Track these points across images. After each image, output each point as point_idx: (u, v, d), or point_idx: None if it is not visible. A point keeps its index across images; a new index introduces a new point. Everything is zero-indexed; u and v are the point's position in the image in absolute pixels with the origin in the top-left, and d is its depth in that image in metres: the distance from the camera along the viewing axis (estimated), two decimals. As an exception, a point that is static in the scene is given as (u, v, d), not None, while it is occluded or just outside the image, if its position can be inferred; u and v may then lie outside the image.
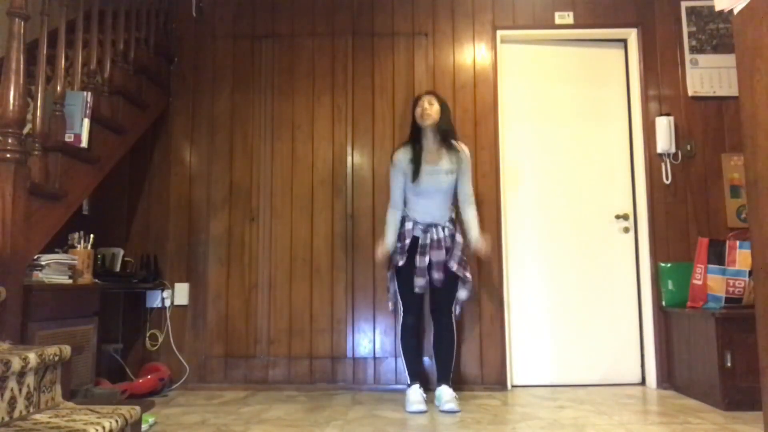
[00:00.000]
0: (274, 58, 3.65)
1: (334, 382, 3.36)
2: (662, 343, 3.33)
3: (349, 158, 3.54)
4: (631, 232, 3.55)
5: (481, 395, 3.16)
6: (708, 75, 3.53)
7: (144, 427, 2.36)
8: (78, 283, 2.57)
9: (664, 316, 3.35)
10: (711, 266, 3.04)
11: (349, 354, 3.39)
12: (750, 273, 2.93)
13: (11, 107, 2.06)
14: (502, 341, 3.36)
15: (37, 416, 1.72)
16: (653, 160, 3.49)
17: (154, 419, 2.55)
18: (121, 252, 3.32)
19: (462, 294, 3.01)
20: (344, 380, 3.36)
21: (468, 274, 2.97)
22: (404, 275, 2.96)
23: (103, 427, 1.64)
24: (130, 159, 3.53)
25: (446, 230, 2.97)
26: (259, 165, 3.56)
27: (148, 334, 3.42)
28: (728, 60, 3.51)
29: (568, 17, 3.61)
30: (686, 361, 3.12)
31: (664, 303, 3.34)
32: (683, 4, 3.58)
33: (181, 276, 3.47)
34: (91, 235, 2.83)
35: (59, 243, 2.67)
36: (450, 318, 2.97)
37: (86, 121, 2.61)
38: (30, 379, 1.75)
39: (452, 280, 2.96)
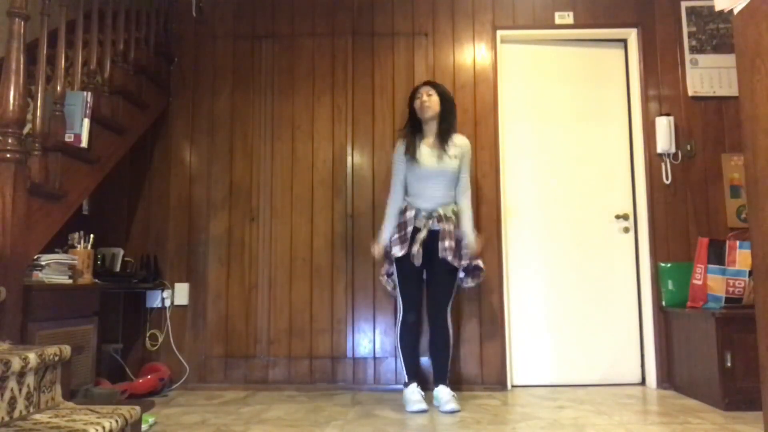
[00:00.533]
0: (274, 58, 3.65)
1: (334, 382, 3.36)
2: (662, 343, 3.33)
3: (349, 158, 3.54)
4: (631, 232, 3.55)
5: (481, 395, 3.16)
6: (708, 75, 3.53)
7: (144, 427, 2.36)
8: (78, 283, 2.57)
9: (664, 316, 3.35)
10: (711, 266, 3.04)
11: (349, 354, 3.39)
12: (750, 273, 2.93)
13: (11, 107, 2.06)
14: (502, 341, 3.36)
15: (37, 416, 1.72)
16: (653, 160, 3.49)
17: (154, 419, 2.55)
18: (121, 252, 3.32)
19: (468, 282, 3.02)
20: (344, 380, 3.36)
21: (462, 263, 2.93)
22: (404, 267, 2.91)
23: (103, 427, 1.64)
24: (130, 159, 3.53)
25: (450, 224, 2.90)
26: (259, 165, 3.56)
27: (148, 334, 3.42)
28: (728, 60, 3.51)
29: (568, 17, 3.61)
30: (686, 361, 3.12)
31: (664, 303, 3.34)
32: (683, 4, 3.58)
33: (181, 276, 3.47)
34: (91, 235, 2.83)
35: (59, 243, 2.67)
36: (445, 317, 2.93)
37: (86, 121, 2.61)
38: (30, 379, 1.75)
39: (448, 275, 2.92)
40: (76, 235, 2.78)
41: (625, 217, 3.56)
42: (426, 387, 3.12)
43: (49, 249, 2.43)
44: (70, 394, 2.01)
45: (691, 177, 3.47)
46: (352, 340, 3.40)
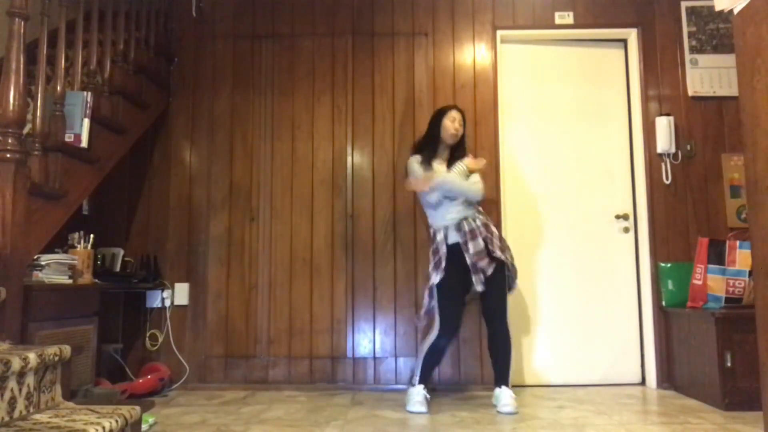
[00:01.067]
0: (274, 58, 3.65)
1: (334, 382, 3.36)
2: (662, 343, 3.33)
3: (349, 158, 3.54)
4: (631, 232, 3.55)
5: (481, 395, 3.16)
6: (708, 75, 3.53)
7: (144, 427, 2.36)
8: (78, 283, 2.57)
9: (664, 316, 3.35)
10: (711, 266, 3.04)
11: (349, 354, 3.39)
12: (750, 273, 2.93)
13: (11, 107, 2.06)
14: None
15: (37, 416, 1.72)
16: (653, 160, 3.49)
17: (154, 419, 2.55)
18: (121, 252, 3.32)
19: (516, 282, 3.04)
20: (344, 380, 3.36)
21: (509, 261, 2.94)
22: (444, 289, 2.87)
23: (103, 427, 1.64)
24: (130, 159, 3.52)
25: (478, 220, 2.92)
26: (259, 165, 3.56)
27: (148, 334, 3.42)
28: (728, 60, 3.51)
29: (568, 17, 3.61)
30: (686, 361, 3.12)
31: (664, 303, 3.34)
32: (683, 4, 3.58)
33: (181, 276, 3.47)
34: (91, 235, 2.83)
35: (59, 243, 2.67)
36: (504, 323, 2.87)
37: (86, 121, 2.61)
38: (30, 379, 1.75)
39: (500, 275, 2.89)
40: (76, 235, 2.78)
41: (625, 217, 3.56)
42: (433, 388, 3.10)
43: (49, 249, 2.43)
44: (70, 394, 2.01)
45: (691, 177, 3.47)
46: (352, 340, 3.40)
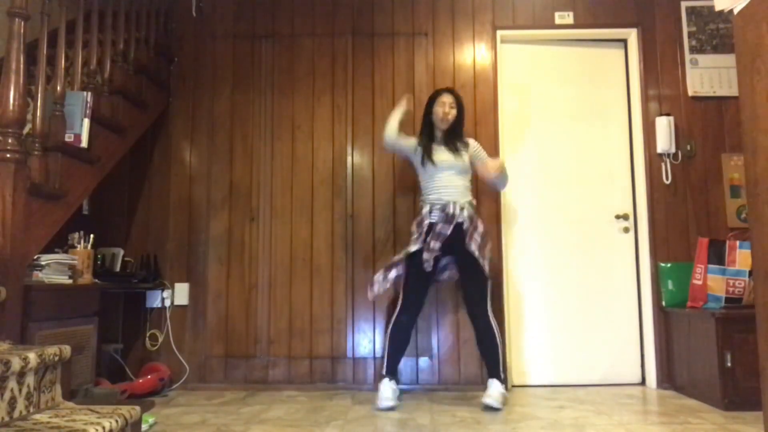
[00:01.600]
0: (274, 58, 3.65)
1: (334, 382, 3.36)
2: (662, 343, 3.33)
3: (349, 158, 3.54)
4: (631, 232, 3.55)
5: (481, 395, 3.14)
6: (708, 75, 3.53)
7: (144, 427, 2.36)
8: (78, 283, 2.57)
9: (664, 316, 3.35)
10: (711, 266, 3.04)
11: (349, 354, 3.39)
12: (750, 273, 2.93)
13: (11, 107, 2.06)
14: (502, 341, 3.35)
15: (37, 416, 1.72)
16: (653, 160, 3.49)
17: (154, 419, 2.55)
18: (121, 252, 3.33)
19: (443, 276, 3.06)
20: (344, 380, 3.36)
21: (485, 265, 2.90)
22: (415, 264, 2.91)
23: (103, 427, 1.64)
24: (130, 159, 3.52)
25: (465, 211, 2.93)
26: (259, 165, 3.56)
27: (148, 334, 3.42)
28: (728, 60, 3.51)
29: (568, 17, 3.61)
30: (686, 361, 3.12)
31: (664, 303, 3.34)
32: (683, 4, 3.58)
33: (181, 276, 3.47)
34: (91, 235, 2.83)
35: (59, 243, 2.67)
36: (487, 317, 2.87)
37: (86, 121, 2.61)
38: (30, 379, 1.75)
39: (478, 269, 2.89)
40: (76, 235, 2.78)
41: (625, 217, 3.56)
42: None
43: (49, 249, 2.43)
44: (70, 394, 2.01)
45: (691, 177, 3.47)
46: (352, 340, 3.40)
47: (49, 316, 2.24)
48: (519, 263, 3.52)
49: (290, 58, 3.64)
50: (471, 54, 3.61)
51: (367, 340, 3.40)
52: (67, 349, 1.96)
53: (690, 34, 3.57)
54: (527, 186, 3.58)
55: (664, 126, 3.45)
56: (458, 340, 3.36)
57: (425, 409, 2.82)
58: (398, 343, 2.94)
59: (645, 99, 3.53)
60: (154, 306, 3.43)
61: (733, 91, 3.48)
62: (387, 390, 2.84)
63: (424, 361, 3.35)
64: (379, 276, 3.00)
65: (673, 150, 3.46)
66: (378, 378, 3.32)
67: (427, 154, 3.00)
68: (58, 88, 2.46)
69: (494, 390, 2.79)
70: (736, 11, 1.63)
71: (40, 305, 2.18)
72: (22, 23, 2.11)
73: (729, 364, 2.74)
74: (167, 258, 3.49)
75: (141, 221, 3.53)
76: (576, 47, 3.70)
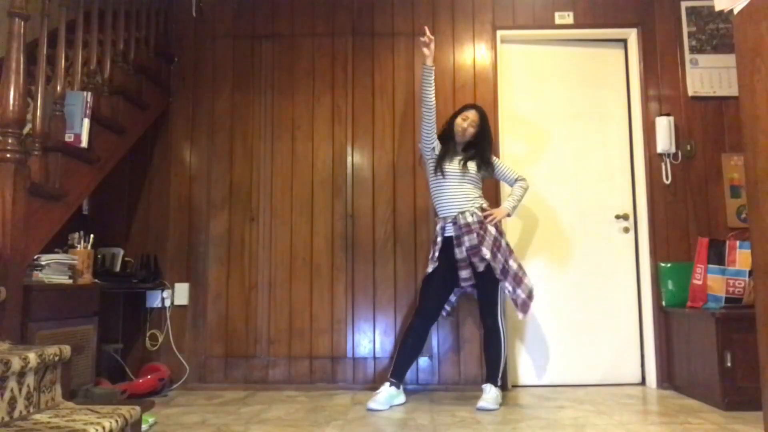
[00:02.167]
0: (274, 58, 3.65)
1: (334, 382, 3.36)
2: (662, 343, 3.33)
3: (349, 158, 3.54)
4: (631, 232, 3.55)
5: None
6: (708, 75, 3.53)
7: (144, 427, 2.36)
8: (78, 283, 2.57)
9: (664, 316, 3.35)
10: (711, 266, 3.04)
11: (349, 354, 3.39)
12: (750, 273, 2.93)
13: (11, 107, 2.06)
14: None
15: (37, 416, 1.72)
16: (653, 160, 3.49)
17: (154, 419, 2.55)
18: (121, 252, 3.32)
19: (518, 293, 2.91)
20: (344, 380, 3.36)
21: (498, 266, 2.88)
22: (431, 280, 2.99)
23: (103, 427, 1.64)
24: (130, 159, 3.52)
25: (475, 216, 2.93)
26: (259, 165, 3.56)
27: (148, 334, 3.42)
28: (728, 60, 3.51)
29: (568, 17, 3.61)
30: (686, 361, 3.12)
31: (664, 303, 3.34)
32: (683, 4, 3.58)
33: (181, 276, 3.47)
34: (91, 235, 2.83)
35: (59, 243, 2.67)
36: (495, 320, 2.93)
37: (86, 121, 2.61)
38: (30, 379, 1.75)
39: (491, 276, 2.92)
40: (76, 235, 2.78)
41: (625, 217, 3.56)
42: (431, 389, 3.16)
43: (49, 249, 2.43)
44: (70, 394, 2.01)
45: (691, 177, 3.47)
46: (352, 340, 3.40)
47: (49, 316, 2.24)
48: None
49: (290, 58, 3.64)
50: (471, 54, 3.61)
51: (367, 340, 3.40)
52: (67, 349, 1.96)
53: (690, 34, 3.57)
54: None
55: (664, 126, 3.45)
56: (458, 340, 3.36)
57: (425, 409, 2.82)
58: (407, 347, 2.96)
59: (645, 99, 3.53)
60: (154, 306, 3.43)
61: (733, 91, 3.47)
62: (383, 394, 2.86)
63: (424, 361, 3.34)
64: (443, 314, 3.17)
65: (673, 150, 3.46)
66: (382, 378, 3.32)
67: (439, 164, 3.01)
68: (58, 88, 2.47)
69: (488, 394, 2.84)
70: (736, 11, 1.63)
71: (40, 305, 2.18)
72: (22, 23, 2.11)
73: (729, 364, 2.74)
74: (167, 258, 3.48)
75: (141, 221, 3.53)
76: (576, 47, 3.70)
